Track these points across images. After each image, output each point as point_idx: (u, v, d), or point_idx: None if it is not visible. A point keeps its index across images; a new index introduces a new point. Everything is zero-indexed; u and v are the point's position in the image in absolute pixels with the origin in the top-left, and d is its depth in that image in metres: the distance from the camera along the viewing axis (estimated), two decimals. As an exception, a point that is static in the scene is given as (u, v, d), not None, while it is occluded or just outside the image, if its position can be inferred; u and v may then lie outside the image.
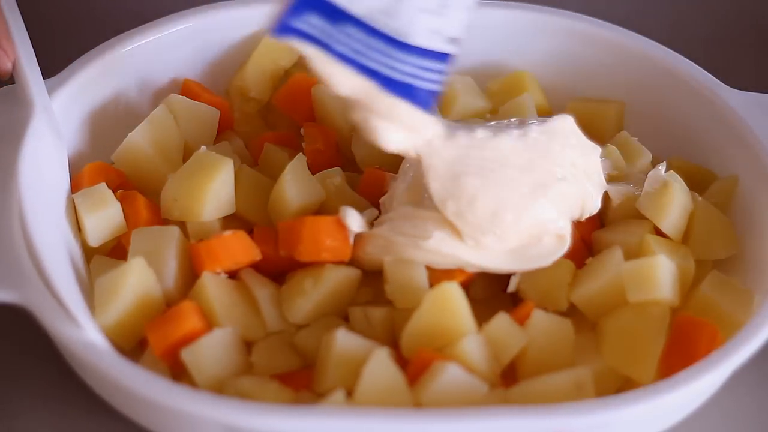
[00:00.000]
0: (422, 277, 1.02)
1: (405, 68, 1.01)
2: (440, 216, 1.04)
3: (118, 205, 1.09)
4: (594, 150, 1.10)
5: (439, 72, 1.03)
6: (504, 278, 1.06)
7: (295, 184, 1.08)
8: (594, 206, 1.08)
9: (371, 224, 1.07)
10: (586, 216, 1.08)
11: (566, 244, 1.05)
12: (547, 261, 1.04)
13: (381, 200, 1.10)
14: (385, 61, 1.00)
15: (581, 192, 1.07)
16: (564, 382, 0.96)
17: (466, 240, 1.03)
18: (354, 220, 1.05)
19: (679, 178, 1.10)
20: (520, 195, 1.03)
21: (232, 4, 1.26)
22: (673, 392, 0.93)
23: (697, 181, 1.16)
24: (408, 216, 1.05)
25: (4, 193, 1.04)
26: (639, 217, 1.09)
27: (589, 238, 1.10)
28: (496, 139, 1.05)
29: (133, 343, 1.02)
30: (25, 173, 1.05)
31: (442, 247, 1.03)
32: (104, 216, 1.08)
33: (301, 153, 1.13)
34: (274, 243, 1.06)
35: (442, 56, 1.03)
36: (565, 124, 1.09)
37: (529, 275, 1.05)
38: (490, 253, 1.04)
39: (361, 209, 1.08)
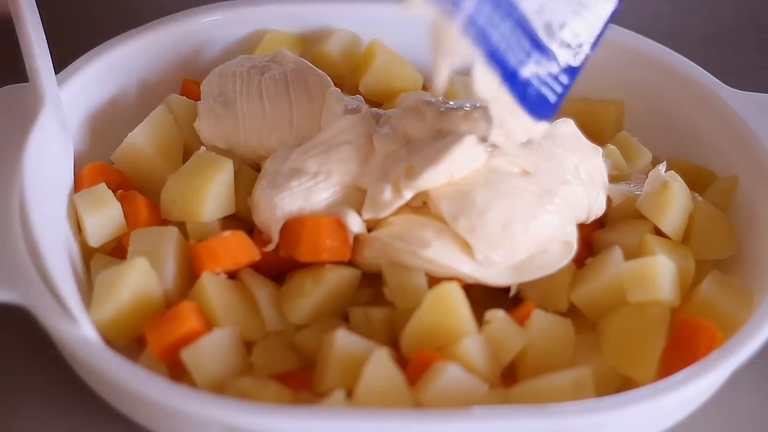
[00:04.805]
0: (421, 278, 1.02)
1: (540, 72, 0.99)
2: (441, 224, 1.04)
3: (118, 205, 1.09)
4: (596, 152, 1.10)
5: (563, 86, 1.02)
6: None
7: (294, 184, 1.08)
8: (600, 208, 1.09)
9: (370, 228, 1.07)
10: (592, 219, 1.08)
11: (572, 251, 1.05)
12: (550, 270, 1.04)
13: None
14: (526, 61, 0.97)
15: (587, 195, 1.07)
16: (564, 382, 0.96)
17: (476, 255, 1.03)
18: (354, 221, 1.05)
19: (679, 178, 1.10)
20: (527, 203, 1.03)
21: (232, 4, 1.27)
22: (673, 392, 0.94)
23: (697, 181, 1.16)
24: (408, 221, 1.05)
25: (5, 194, 1.04)
26: (639, 217, 1.09)
27: (589, 238, 1.10)
28: (498, 148, 1.05)
29: (126, 341, 1.02)
30: (30, 165, 1.05)
31: (439, 258, 1.03)
32: (104, 216, 1.08)
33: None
34: (273, 243, 1.07)
35: (570, 70, 1.02)
36: (567, 127, 1.09)
37: (530, 275, 1.05)
38: (490, 268, 1.04)
39: (361, 210, 1.07)
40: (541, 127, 1.02)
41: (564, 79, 1.02)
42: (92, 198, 1.09)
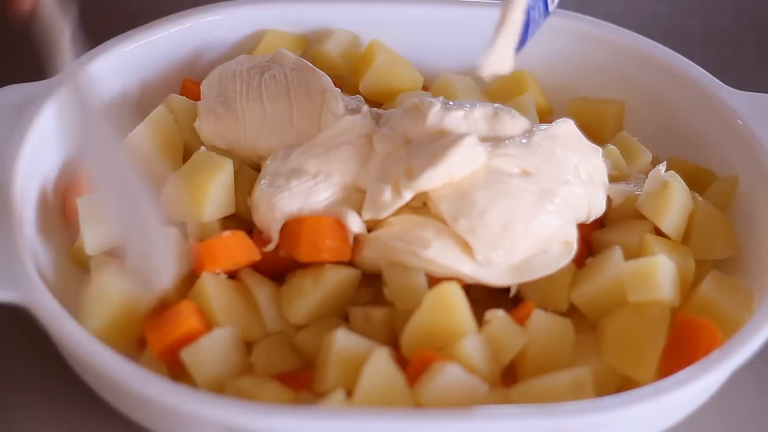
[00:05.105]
0: (421, 279, 1.02)
1: (536, 5, 1.02)
2: (441, 225, 1.04)
3: None
4: (596, 152, 1.10)
5: (538, 24, 1.04)
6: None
7: (294, 184, 1.08)
8: (600, 208, 1.09)
9: (369, 228, 1.07)
10: (592, 219, 1.08)
11: (572, 251, 1.04)
12: (550, 271, 1.04)
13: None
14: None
15: (587, 195, 1.07)
16: (564, 382, 0.96)
17: (476, 256, 1.03)
18: (354, 221, 1.05)
19: (679, 178, 1.10)
20: (527, 204, 1.03)
21: (232, 4, 1.27)
22: (673, 392, 0.94)
23: (697, 181, 1.16)
24: (408, 221, 1.05)
25: (6, 193, 1.04)
26: (639, 217, 1.09)
27: (589, 238, 1.10)
28: (498, 148, 1.06)
29: (128, 345, 1.02)
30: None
31: (439, 258, 1.02)
32: (105, 228, 1.07)
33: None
34: (273, 243, 1.07)
35: (546, 11, 1.04)
36: (567, 127, 1.09)
37: (530, 275, 1.05)
38: (490, 268, 1.04)
39: (361, 210, 1.07)
40: (511, 61, 1.03)
41: (541, 18, 1.04)
42: (96, 208, 1.08)
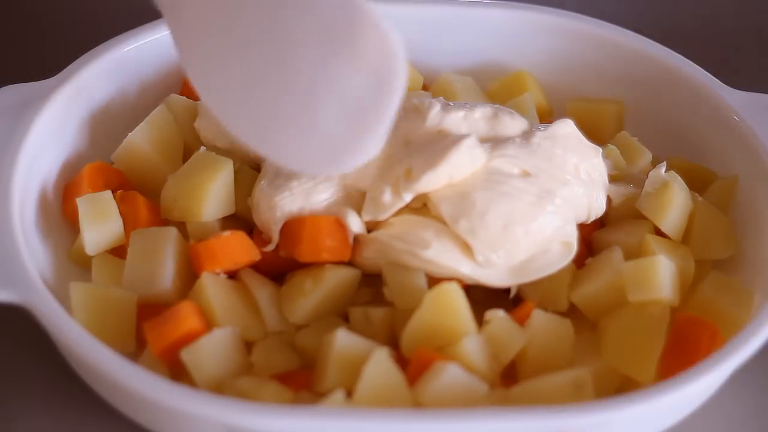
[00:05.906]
0: (421, 279, 1.02)
1: None
2: (441, 225, 1.04)
3: (120, 218, 1.08)
4: (596, 152, 1.10)
5: None
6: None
7: (295, 184, 1.08)
8: (600, 208, 1.09)
9: (370, 228, 1.07)
10: (592, 219, 1.08)
11: (573, 252, 1.05)
12: (550, 271, 1.04)
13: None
14: None
15: (587, 195, 1.07)
16: (564, 382, 0.96)
17: (477, 257, 1.03)
18: (354, 221, 1.05)
19: (679, 178, 1.10)
20: (527, 204, 1.03)
21: (232, 3, 1.26)
22: (673, 392, 0.93)
23: (697, 181, 1.16)
24: (408, 222, 1.05)
25: (5, 193, 1.04)
26: (639, 217, 1.09)
27: (590, 238, 1.10)
28: (498, 149, 1.06)
29: (132, 344, 1.03)
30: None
31: (439, 259, 1.03)
32: (104, 228, 1.07)
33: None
34: (273, 243, 1.07)
35: None
36: (567, 128, 1.09)
37: (530, 275, 1.05)
38: (491, 269, 1.04)
39: (361, 210, 1.07)
40: None
41: None
42: (96, 208, 1.08)
